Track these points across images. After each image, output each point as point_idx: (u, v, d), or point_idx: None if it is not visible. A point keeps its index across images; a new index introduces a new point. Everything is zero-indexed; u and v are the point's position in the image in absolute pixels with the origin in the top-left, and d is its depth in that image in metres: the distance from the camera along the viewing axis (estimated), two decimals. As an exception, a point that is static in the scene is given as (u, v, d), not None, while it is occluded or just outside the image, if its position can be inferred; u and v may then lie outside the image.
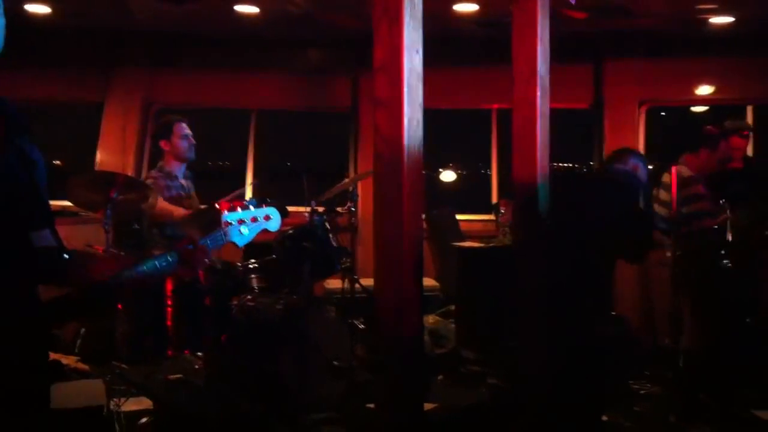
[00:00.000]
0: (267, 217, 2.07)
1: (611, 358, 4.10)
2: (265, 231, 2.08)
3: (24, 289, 1.68)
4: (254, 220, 2.04)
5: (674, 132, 7.36)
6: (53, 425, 1.70)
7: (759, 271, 4.50)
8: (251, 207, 2.07)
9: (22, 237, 1.73)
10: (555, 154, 4.25)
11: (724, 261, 4.30)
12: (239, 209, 2.03)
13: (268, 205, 2.11)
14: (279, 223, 2.09)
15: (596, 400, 3.55)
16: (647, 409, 4.53)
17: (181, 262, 1.93)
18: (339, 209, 5.16)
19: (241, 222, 2.02)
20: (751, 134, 5.01)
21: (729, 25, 6.09)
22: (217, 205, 2.05)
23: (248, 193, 6.43)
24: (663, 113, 7.10)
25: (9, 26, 1.77)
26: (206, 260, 2.02)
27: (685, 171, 4.47)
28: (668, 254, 4.36)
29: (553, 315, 3.44)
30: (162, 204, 4.59)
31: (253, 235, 2.06)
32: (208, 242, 2.00)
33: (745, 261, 4.41)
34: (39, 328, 1.68)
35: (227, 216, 2.01)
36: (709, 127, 4.59)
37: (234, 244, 2.04)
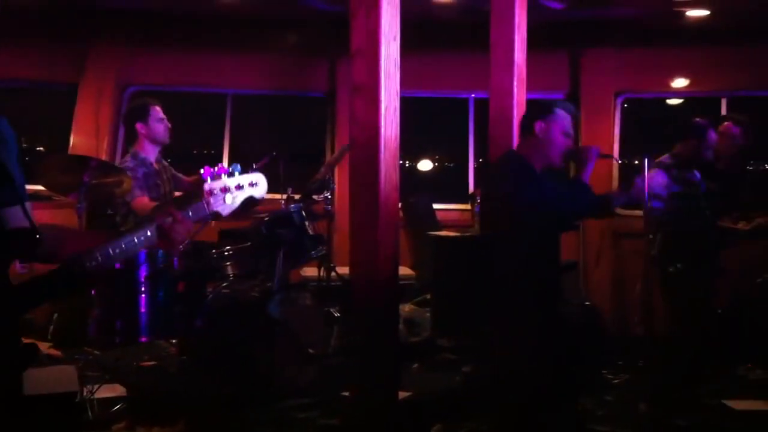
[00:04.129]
0: (252, 184, 1.96)
1: (581, 346, 4.14)
2: (251, 198, 1.98)
3: None
4: (239, 187, 1.94)
5: (650, 124, 7.41)
6: (26, 411, 1.69)
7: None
8: (236, 173, 1.96)
9: None
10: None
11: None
12: (223, 176, 1.93)
13: (253, 171, 2.00)
14: (265, 189, 1.99)
15: (567, 388, 3.57)
16: (618, 397, 4.58)
17: (160, 236, 1.86)
18: (315, 196, 5.15)
19: (224, 190, 1.92)
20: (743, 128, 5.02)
21: (705, 17, 6.14)
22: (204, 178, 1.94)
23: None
24: (625, 105, 7.12)
25: None
26: (188, 233, 1.93)
27: (668, 158, 4.58)
28: (650, 237, 4.43)
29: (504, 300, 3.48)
30: (140, 201, 4.53)
31: (239, 203, 1.94)
32: (190, 213, 1.90)
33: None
34: (11, 311, 1.66)
35: (209, 185, 1.92)
36: (697, 118, 4.69)
37: (218, 213, 1.95)
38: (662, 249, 4.46)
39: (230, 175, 1.94)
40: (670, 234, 4.46)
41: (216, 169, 1.95)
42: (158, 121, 4.82)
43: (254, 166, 2.00)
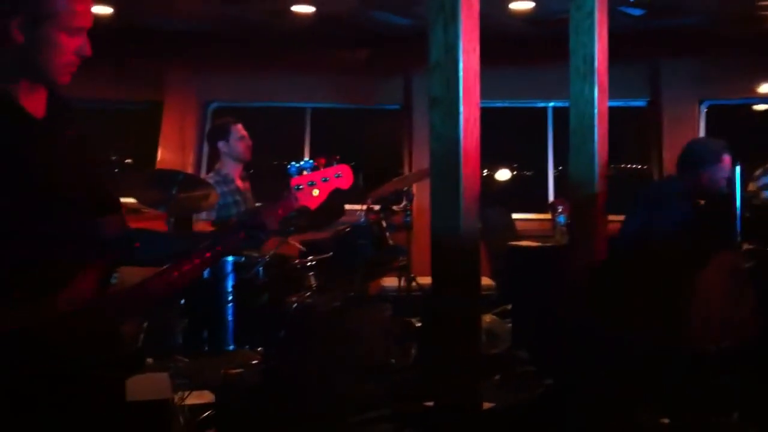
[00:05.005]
0: (337, 175, 2.00)
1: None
2: (338, 190, 2.01)
3: (95, 277, 1.74)
4: (325, 179, 1.98)
5: (736, 130, 7.21)
6: (127, 417, 1.77)
7: None
8: (321, 168, 1.99)
9: (90, 224, 1.79)
10: (611, 153, 4.23)
11: None
12: (308, 171, 1.96)
13: (338, 163, 2.03)
14: (351, 180, 2.02)
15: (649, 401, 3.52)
16: (704, 412, 4.44)
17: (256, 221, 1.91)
18: (394, 207, 5.18)
19: (310, 184, 1.96)
20: None
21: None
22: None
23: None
24: (708, 112, 6.93)
25: None
26: (276, 225, 1.97)
27: None
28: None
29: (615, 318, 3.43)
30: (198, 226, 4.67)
31: (326, 195, 1.98)
32: (279, 208, 1.95)
33: None
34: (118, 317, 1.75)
35: (295, 179, 1.95)
36: None
37: (305, 207, 1.98)
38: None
39: (315, 168, 1.98)
40: None
41: (301, 163, 1.99)
42: (239, 139, 4.96)
43: (339, 159, 2.01)
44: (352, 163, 2.08)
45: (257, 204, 4.94)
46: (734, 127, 7.45)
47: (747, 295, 4.36)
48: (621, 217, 5.60)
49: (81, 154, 1.83)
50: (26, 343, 1.61)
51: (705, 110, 6.76)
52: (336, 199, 2.07)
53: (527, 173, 9.32)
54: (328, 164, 2.01)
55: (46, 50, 1.72)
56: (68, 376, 1.65)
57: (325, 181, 1.98)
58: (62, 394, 1.64)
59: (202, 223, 4.71)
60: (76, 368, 1.66)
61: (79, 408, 1.67)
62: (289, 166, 2.00)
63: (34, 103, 1.77)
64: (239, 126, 4.99)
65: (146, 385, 2.59)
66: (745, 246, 4.34)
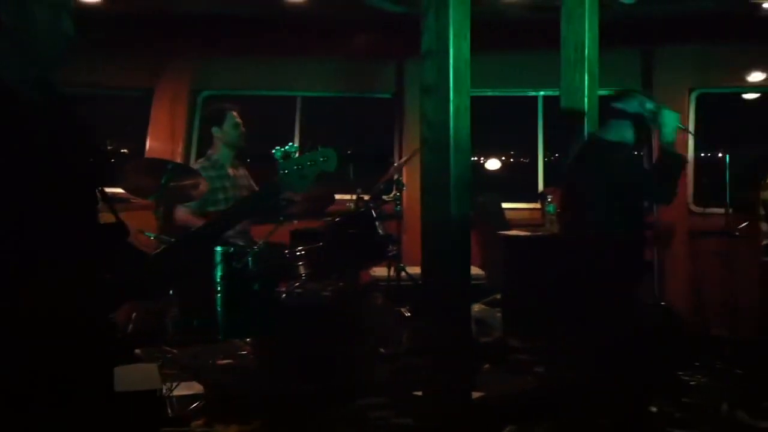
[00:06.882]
0: (323, 159, 2.02)
1: (656, 348, 4.08)
2: (323, 172, 2.03)
3: (91, 268, 1.72)
4: (312, 163, 2.00)
5: (724, 119, 7.21)
6: (115, 407, 1.75)
7: None
8: (306, 152, 2.02)
9: (91, 214, 1.77)
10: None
11: None
12: (295, 155, 1.99)
13: (322, 147, 2.05)
14: (336, 163, 2.04)
15: (641, 390, 3.54)
16: (697, 399, 4.46)
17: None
18: (385, 197, 5.17)
19: (298, 167, 1.99)
20: None
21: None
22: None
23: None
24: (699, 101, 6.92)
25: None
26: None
27: None
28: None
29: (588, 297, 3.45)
30: (179, 212, 4.63)
31: (312, 177, 2.00)
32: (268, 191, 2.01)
33: None
34: (106, 310, 1.73)
35: (283, 164, 1.98)
36: None
37: (294, 190, 2.01)
38: None
39: (301, 152, 2.00)
40: None
41: (286, 148, 2.00)
42: (233, 126, 4.93)
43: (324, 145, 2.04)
44: (337, 148, 2.08)
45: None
46: (724, 116, 7.45)
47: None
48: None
49: (78, 143, 1.80)
50: (16, 331, 1.58)
51: (695, 99, 6.75)
52: (325, 187, 2.08)
53: (517, 162, 9.34)
54: (313, 148, 2.03)
55: (34, 31, 1.68)
56: (56, 365, 1.63)
57: (311, 164, 1.99)
58: (50, 384, 1.62)
59: (182, 212, 4.67)
60: (65, 357, 1.64)
61: (66, 398, 1.65)
62: (273, 151, 2.01)
63: (31, 92, 1.73)
64: (234, 113, 4.96)
65: (135, 376, 2.56)
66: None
